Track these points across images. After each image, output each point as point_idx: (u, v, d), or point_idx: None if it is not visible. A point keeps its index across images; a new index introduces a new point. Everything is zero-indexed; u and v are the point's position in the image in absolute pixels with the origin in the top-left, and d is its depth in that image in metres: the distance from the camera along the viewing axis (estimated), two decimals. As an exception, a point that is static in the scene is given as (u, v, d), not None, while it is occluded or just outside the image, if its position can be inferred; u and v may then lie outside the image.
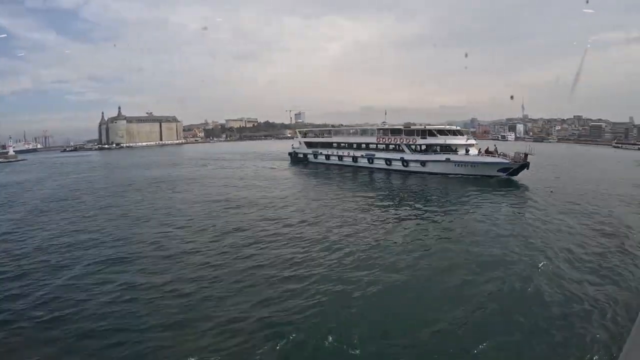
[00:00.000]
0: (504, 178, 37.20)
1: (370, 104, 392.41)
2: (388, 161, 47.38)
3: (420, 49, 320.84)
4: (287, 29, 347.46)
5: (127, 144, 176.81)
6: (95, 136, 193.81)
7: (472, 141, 43.81)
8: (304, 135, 65.48)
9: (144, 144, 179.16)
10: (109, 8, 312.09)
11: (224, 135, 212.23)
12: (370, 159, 49.76)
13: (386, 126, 52.66)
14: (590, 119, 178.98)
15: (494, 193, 30.98)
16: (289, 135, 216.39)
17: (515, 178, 37.06)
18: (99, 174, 57.00)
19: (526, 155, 36.87)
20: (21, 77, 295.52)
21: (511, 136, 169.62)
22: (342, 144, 55.15)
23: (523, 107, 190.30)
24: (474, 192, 30.85)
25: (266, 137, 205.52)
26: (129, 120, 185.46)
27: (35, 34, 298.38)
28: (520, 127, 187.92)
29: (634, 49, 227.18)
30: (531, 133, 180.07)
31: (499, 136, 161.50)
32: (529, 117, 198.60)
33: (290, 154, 64.19)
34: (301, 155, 61.36)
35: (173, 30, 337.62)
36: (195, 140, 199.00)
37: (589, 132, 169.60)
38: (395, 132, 48.30)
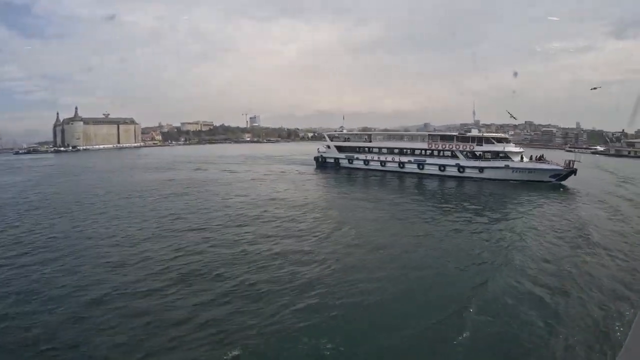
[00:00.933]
0: (555, 183, 40.70)
1: (324, 107, 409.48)
2: (442, 167, 48.26)
3: (375, 54, 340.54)
4: (243, 31, 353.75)
5: (84, 147, 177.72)
6: (46, 138, 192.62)
7: (520, 149, 47.89)
8: (332, 139, 63.71)
9: (101, 146, 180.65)
10: (60, 4, 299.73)
11: (182, 139, 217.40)
12: (421, 165, 50.19)
13: (437, 132, 56.06)
14: (541, 125, 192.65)
15: (564, 196, 35.93)
16: (248, 139, 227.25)
17: (563, 182, 40.92)
18: (102, 177, 56.43)
19: (573, 162, 40.99)
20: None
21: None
22: (382, 149, 55.26)
23: (474, 112, 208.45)
24: (549, 197, 34.77)
25: (225, 140, 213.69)
26: (86, 121, 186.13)
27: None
28: (475, 131, 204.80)
29: (579, 57, 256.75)
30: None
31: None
32: (481, 123, 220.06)
33: (316, 158, 63.15)
34: (332, 160, 60.48)
35: (126, 30, 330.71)
36: (154, 144, 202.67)
37: (540, 137, 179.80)
38: (445, 138, 50.46)
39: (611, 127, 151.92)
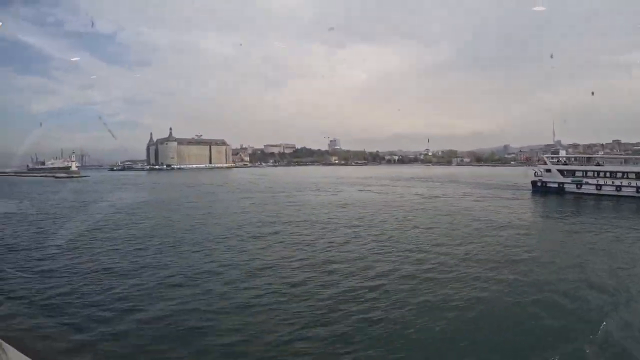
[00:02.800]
0: None
1: (399, 130, 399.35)
2: None
3: (445, 76, 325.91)
4: (314, 56, 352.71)
5: (178, 166, 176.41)
6: (130, 156, 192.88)
7: None
8: (552, 162, 61.30)
9: (194, 165, 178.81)
10: (141, 33, 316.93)
11: (270, 160, 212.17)
12: None
13: None
14: (630, 143, 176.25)
15: None
16: (335, 161, 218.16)
17: None
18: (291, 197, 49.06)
19: None
20: (54, 97, 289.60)
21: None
22: (617, 174, 53.23)
23: (554, 132, 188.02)
24: None
25: (312, 162, 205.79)
26: (180, 142, 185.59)
27: (70, 55, 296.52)
28: (562, 152, 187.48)
29: None
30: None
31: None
32: (566, 143, 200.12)
33: (534, 182, 59.55)
34: (554, 185, 57.26)
35: (203, 56, 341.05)
36: (244, 164, 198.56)
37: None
38: None
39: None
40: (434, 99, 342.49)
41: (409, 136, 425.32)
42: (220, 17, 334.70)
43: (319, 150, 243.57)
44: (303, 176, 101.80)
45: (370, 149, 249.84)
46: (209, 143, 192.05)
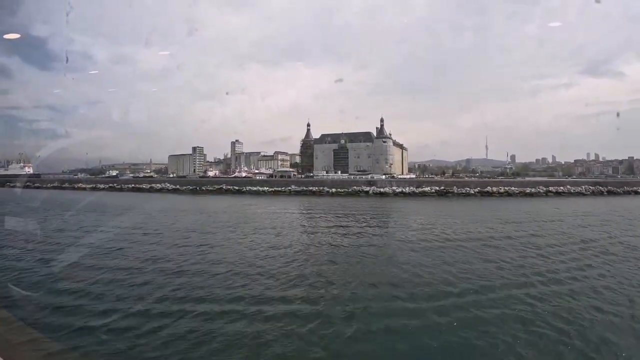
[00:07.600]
0: None
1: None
2: None
3: (376, 95, 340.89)
4: (250, 74, 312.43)
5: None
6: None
7: None
8: None
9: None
10: (73, 41, 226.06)
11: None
12: None
13: None
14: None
15: None
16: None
17: None
18: None
19: None
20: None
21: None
22: None
23: (487, 147, 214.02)
24: None
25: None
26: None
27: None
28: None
29: (560, 94, 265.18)
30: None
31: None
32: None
33: None
34: None
35: (138, 68, 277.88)
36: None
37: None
38: None
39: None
40: (365, 116, 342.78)
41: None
42: (156, 34, 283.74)
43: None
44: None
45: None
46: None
